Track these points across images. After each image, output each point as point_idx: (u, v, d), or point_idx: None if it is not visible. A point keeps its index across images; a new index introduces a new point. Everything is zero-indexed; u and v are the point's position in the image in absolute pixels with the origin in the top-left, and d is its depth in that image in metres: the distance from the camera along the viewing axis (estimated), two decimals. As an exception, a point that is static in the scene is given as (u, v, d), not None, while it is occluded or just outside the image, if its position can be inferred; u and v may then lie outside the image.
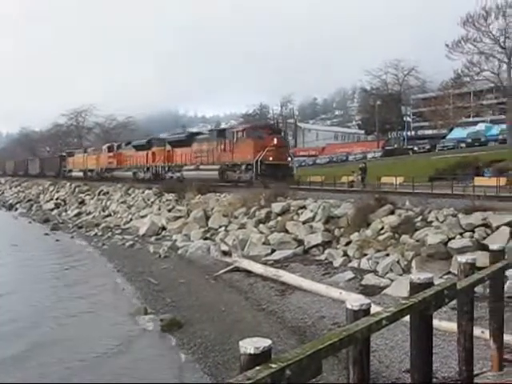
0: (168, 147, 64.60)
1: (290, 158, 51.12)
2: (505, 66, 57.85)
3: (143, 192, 56.57)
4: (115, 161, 79.82)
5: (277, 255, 28.39)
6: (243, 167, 48.94)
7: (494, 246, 14.19)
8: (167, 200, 49.75)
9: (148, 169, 69.22)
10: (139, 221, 47.40)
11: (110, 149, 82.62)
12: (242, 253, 28.55)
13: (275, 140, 48.06)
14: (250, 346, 5.14)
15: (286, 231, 31.18)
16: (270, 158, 46.71)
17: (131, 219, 50.15)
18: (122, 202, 57.90)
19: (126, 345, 18.42)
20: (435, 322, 13.33)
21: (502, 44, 57.19)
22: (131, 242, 39.25)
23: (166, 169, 64.29)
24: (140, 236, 42.02)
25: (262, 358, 5.16)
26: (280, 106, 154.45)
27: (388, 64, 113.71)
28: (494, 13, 56.81)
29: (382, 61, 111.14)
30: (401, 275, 21.79)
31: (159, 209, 48.68)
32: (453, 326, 12.79)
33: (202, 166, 54.90)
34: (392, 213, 27.60)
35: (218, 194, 44.60)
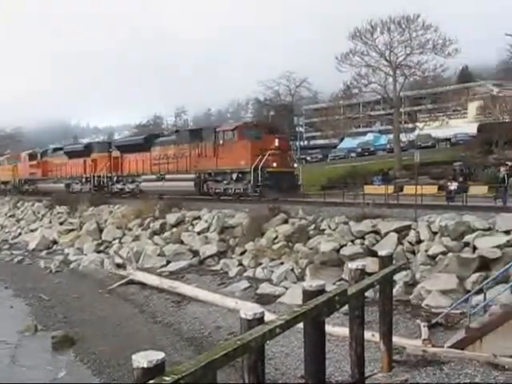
0: (116, 153, 53.59)
1: (296, 164, 41.03)
2: (390, 79, 60.16)
3: (33, 205, 54.71)
4: (40, 171, 66.87)
5: (172, 266, 28.30)
6: (234, 176, 38.45)
7: (382, 252, 14.74)
8: (59, 213, 48.41)
9: (87, 180, 56.77)
10: (29, 235, 45.88)
11: (31, 156, 69.39)
12: (136, 265, 28.18)
13: (276, 141, 38.16)
14: (142, 359, 5.10)
15: (182, 242, 31.14)
16: (274, 164, 37.02)
17: (20, 233, 48.38)
18: (10, 216, 55.77)
19: (10, 365, 17.52)
20: (328, 328, 13.67)
21: (388, 57, 59.46)
22: (20, 258, 37.79)
23: (114, 179, 53.32)
24: (30, 251, 40.66)
25: (155, 371, 5.13)
26: (174, 117, 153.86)
27: (281, 75, 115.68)
28: (380, 28, 59.10)
29: (275, 72, 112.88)
30: (295, 283, 22.18)
31: (50, 222, 47.37)
32: (345, 330, 13.14)
33: (168, 176, 44.55)
34: (286, 222, 28.08)
35: (111, 206, 43.92)
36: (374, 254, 20.65)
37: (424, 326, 16.07)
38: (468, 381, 13.21)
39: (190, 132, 46.52)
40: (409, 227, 23.28)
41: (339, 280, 21.23)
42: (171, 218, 34.25)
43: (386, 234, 23.37)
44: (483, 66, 74.78)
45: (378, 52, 60.88)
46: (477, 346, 14.64)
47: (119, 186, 52.69)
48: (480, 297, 16.50)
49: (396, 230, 23.21)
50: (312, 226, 26.60)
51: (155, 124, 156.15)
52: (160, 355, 5.23)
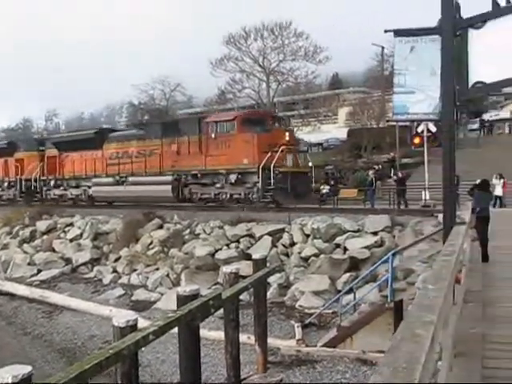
0: (52, 151, 43.65)
1: (310, 163, 33.14)
2: (264, 85, 61.27)
3: None
4: None
5: (43, 275, 27.24)
6: (231, 178, 30.69)
7: (256, 255, 14.99)
8: None
9: (10, 184, 46.74)
10: None
11: None
12: (4, 275, 26.97)
13: (287, 135, 31.13)
14: (7, 374, 4.86)
15: (53, 250, 30.07)
16: (289, 164, 30.32)
17: None
18: None
19: None
20: (204, 332, 13.75)
21: (261, 64, 60.56)
22: None
23: (51, 183, 43.39)
24: None
25: (22, 385, 4.91)
26: (45, 121, 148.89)
27: (155, 79, 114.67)
28: (253, 34, 60.08)
29: (149, 76, 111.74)
30: (171, 288, 22.04)
31: None
32: (221, 334, 13.21)
33: (132, 179, 36.08)
34: (161, 227, 27.87)
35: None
36: (249, 257, 20.83)
37: (298, 327, 16.43)
38: (339, 377, 13.72)
39: (163, 125, 37.25)
40: (282, 230, 23.77)
41: (215, 284, 21.30)
42: (42, 225, 33.03)
43: (261, 237, 23.75)
44: (352, 74, 77.80)
45: (251, 58, 61.84)
46: (348, 344, 15.21)
47: (58, 191, 42.73)
48: (350, 296, 17.17)
49: (270, 233, 23.63)
50: (187, 231, 26.56)
51: (25, 127, 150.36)
52: (26, 369, 5.02)
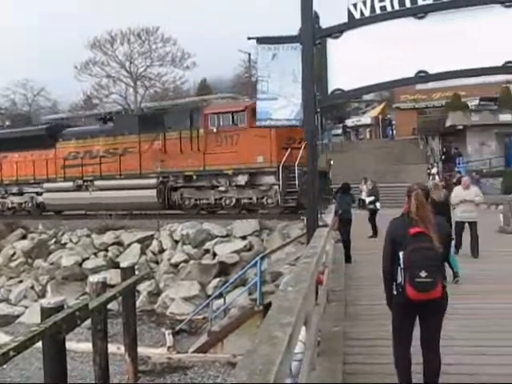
0: None
1: (332, 162, 29.54)
2: (131, 90, 60.46)
3: None
4: None
5: None
6: (240, 179, 26.20)
7: (124, 263, 14.77)
8: None
9: None
10: None
11: None
12: None
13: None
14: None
15: None
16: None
17: None
18: None
19: None
20: (72, 345, 13.36)
21: (128, 69, 59.69)
22: None
23: None
24: None
25: None
26: None
27: (16, 83, 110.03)
28: (120, 39, 59.15)
29: (9, 80, 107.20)
30: (36, 301, 21.22)
31: None
32: (90, 346, 12.89)
33: (100, 183, 30.21)
34: (24, 237, 26.81)
35: None
36: (117, 265, 20.52)
37: (168, 334, 16.36)
38: (211, 382, 13.79)
39: (140, 118, 31.80)
40: (151, 237, 23.60)
41: (83, 294, 20.74)
42: None
43: (129, 244, 23.46)
44: (220, 80, 78.38)
45: (118, 63, 60.82)
46: (218, 348, 15.28)
47: None
48: (220, 301, 17.24)
49: (139, 241, 23.40)
50: (53, 241, 25.72)
51: None
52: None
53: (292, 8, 10.36)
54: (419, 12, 9.71)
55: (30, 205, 33.05)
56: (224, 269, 20.84)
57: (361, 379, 5.85)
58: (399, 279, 5.13)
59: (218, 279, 20.18)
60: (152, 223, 24.85)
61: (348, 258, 13.35)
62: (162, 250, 22.98)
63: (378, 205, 19.80)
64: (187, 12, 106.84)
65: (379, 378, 5.76)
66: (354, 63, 9.84)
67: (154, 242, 23.29)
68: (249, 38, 11.21)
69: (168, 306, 19.58)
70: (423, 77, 9.82)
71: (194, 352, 15.36)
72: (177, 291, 20.04)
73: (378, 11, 9.88)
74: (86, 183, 30.80)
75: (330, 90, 9.93)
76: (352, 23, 9.93)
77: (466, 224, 13.95)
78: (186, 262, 21.55)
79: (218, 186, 26.89)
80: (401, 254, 5.09)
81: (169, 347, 15.77)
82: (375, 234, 18.51)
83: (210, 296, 18.44)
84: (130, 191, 28.12)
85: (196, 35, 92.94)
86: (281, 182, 24.77)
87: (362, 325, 7.67)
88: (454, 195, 14.06)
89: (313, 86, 9.93)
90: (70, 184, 31.06)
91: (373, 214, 19.55)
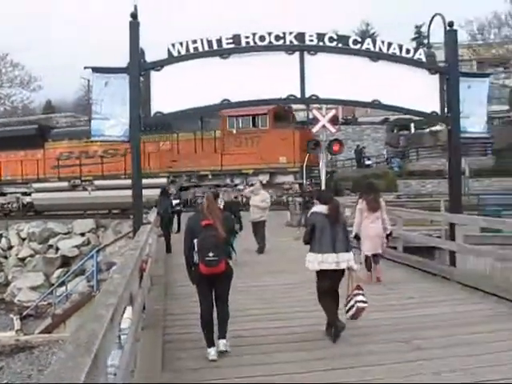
0: None
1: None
2: None
3: None
4: None
5: None
6: (261, 179, 22.08)
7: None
8: None
9: None
10: None
11: None
12: None
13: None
14: None
15: None
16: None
17: None
18: None
19: None
20: None
21: None
22: None
23: None
24: None
25: None
26: None
27: None
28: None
29: None
30: None
31: None
32: None
33: (100, 182, 25.22)
34: None
35: None
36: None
37: (16, 319, 15.41)
38: (55, 357, 13.14)
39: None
40: (0, 236, 22.14)
41: None
42: None
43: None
44: (64, 101, 74.92)
45: None
46: (61, 329, 14.68)
47: None
48: (63, 288, 16.69)
49: None
50: None
51: None
52: None
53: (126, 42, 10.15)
54: (224, 53, 9.99)
55: (14, 205, 26.47)
56: (66, 261, 20.23)
57: (177, 344, 5.91)
58: (195, 259, 5.48)
59: (60, 270, 19.49)
60: (1, 223, 23.14)
61: (168, 249, 13.28)
62: (10, 247, 21.59)
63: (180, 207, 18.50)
64: (37, 40, 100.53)
65: (191, 343, 5.85)
66: (172, 91, 9.91)
67: (3, 240, 21.82)
68: (85, 68, 10.87)
69: (16, 295, 18.46)
70: (226, 104, 10.16)
71: (39, 333, 14.64)
72: (24, 281, 18.98)
73: (191, 51, 10.00)
74: (83, 183, 25.87)
75: (152, 112, 9.91)
76: (171, 59, 9.98)
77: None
78: (32, 256, 20.49)
79: (235, 186, 23.96)
80: (195, 240, 5.48)
81: (17, 330, 14.85)
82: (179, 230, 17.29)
83: (53, 284, 17.74)
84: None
85: (43, 62, 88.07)
86: (304, 182, 21.97)
87: (179, 303, 7.69)
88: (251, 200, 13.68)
89: (138, 108, 9.84)
90: (64, 184, 25.69)
91: (178, 214, 18.27)
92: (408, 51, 10.45)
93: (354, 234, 9.22)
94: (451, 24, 11.01)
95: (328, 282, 5.98)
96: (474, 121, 10.88)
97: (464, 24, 27.51)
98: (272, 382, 4.79)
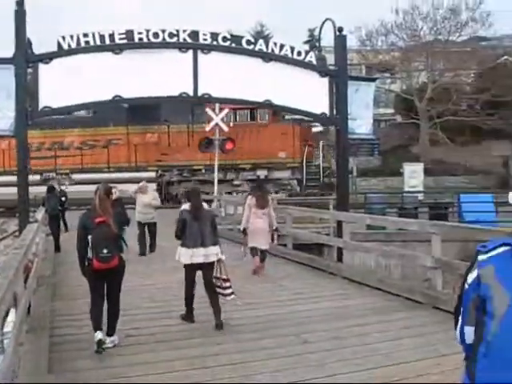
0: None
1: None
2: None
3: None
4: None
5: None
6: (259, 173, 22.94)
7: None
8: None
9: None
10: None
11: None
12: None
13: (312, 129, 25.43)
14: None
15: None
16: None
17: None
18: None
19: None
20: None
21: None
22: None
23: None
24: None
25: None
26: None
27: None
28: None
29: None
30: None
31: None
32: None
33: (79, 176, 22.73)
34: None
35: None
36: None
37: None
38: None
39: (129, 110, 21.84)
40: None
41: None
42: None
43: None
44: None
45: None
46: None
47: None
48: None
49: None
50: None
51: None
52: None
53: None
54: (116, 48, 9.81)
55: None
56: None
57: (66, 345, 5.74)
58: (89, 255, 5.58)
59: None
60: None
61: (58, 248, 12.79)
62: None
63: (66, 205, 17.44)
64: None
65: (82, 343, 5.70)
66: (61, 85, 9.59)
67: None
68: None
69: None
70: (118, 100, 9.98)
71: None
72: None
73: (83, 44, 9.73)
74: (58, 176, 23.04)
75: (40, 107, 9.52)
76: (60, 52, 9.64)
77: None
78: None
79: (232, 179, 23.20)
80: (89, 237, 5.56)
81: None
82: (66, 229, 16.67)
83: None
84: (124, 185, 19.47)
85: None
86: (304, 177, 22.39)
87: (68, 303, 7.43)
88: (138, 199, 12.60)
89: (24, 102, 9.41)
90: (36, 177, 21.10)
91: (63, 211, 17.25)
92: (299, 53, 10.85)
93: (242, 228, 9.60)
94: (341, 29, 11.56)
95: (195, 273, 6.52)
96: (361, 123, 11.51)
97: (354, 30, 28.76)
98: (162, 382, 4.76)
